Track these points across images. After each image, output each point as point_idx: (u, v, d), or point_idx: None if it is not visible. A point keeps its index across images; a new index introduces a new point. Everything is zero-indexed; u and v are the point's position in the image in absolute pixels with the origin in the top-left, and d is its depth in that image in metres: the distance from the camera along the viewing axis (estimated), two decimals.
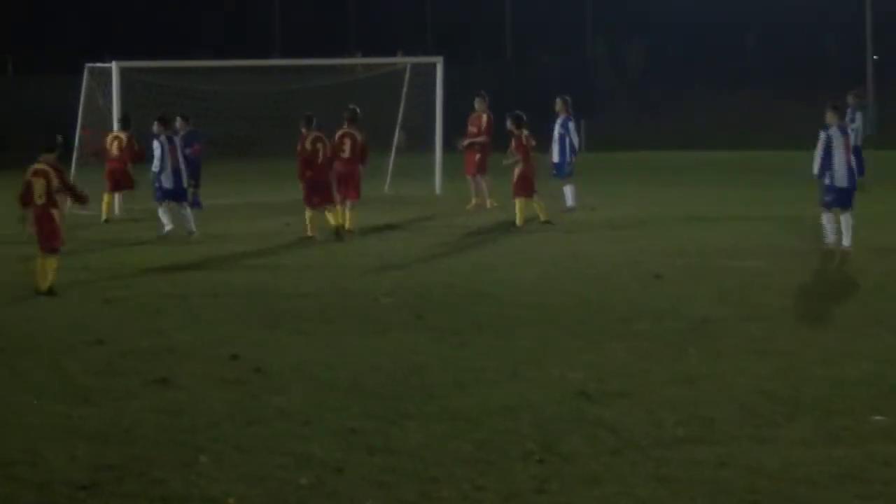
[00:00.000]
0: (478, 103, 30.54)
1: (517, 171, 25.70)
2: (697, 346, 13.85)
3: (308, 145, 24.39)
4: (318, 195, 24.40)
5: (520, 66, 69.76)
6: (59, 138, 19.41)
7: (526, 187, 25.67)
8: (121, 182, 29.34)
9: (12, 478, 9.56)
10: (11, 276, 20.19)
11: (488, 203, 29.34)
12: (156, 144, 25.72)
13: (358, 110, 25.56)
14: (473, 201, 29.86)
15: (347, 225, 24.90)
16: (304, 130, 24.61)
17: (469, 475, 9.37)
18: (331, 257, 22.02)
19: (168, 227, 25.06)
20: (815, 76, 65.34)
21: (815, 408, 11.10)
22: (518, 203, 25.66)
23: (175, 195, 25.58)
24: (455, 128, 32.44)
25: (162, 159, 25.36)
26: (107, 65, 31.31)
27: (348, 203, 25.10)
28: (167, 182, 25.35)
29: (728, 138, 54.04)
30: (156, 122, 26.43)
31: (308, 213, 24.40)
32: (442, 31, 72.01)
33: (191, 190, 27.80)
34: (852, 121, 34.82)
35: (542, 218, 25.71)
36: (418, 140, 35.11)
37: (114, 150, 29.36)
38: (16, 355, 14.09)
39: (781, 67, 68.33)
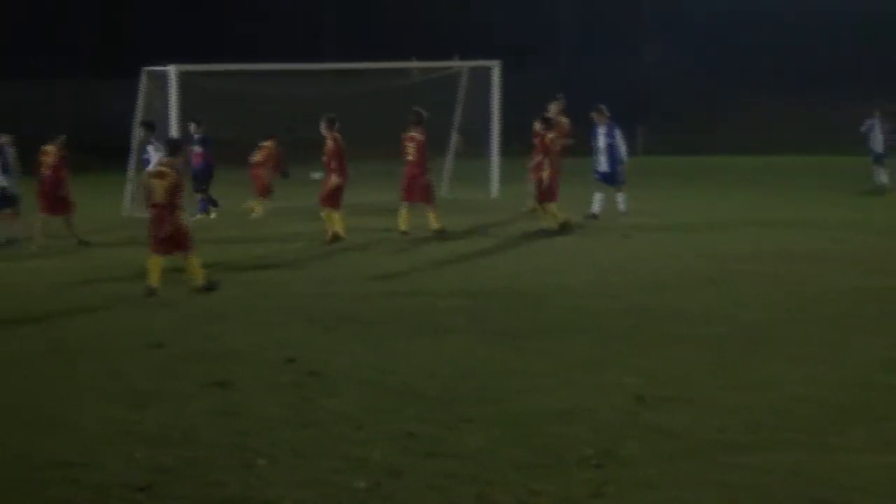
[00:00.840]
0: (554, 107, 29.91)
1: (545, 175, 25.63)
2: (754, 351, 13.78)
3: (330, 144, 24.47)
4: (339, 197, 24.46)
5: (575, 70, 69.57)
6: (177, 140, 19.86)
7: (554, 191, 25.69)
8: (268, 188, 30.42)
9: (70, 479, 9.64)
10: (67, 278, 20.38)
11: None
12: (150, 150, 25.86)
13: (424, 113, 25.54)
14: (529, 204, 29.73)
15: (403, 227, 24.99)
16: (326, 132, 24.46)
17: (525, 480, 9.37)
18: (387, 260, 22.05)
19: None
20: (877, 80, 64.74)
21: (867, 414, 11.03)
22: (549, 207, 25.65)
23: None
24: (511, 132, 32.33)
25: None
26: (164, 68, 31.38)
27: (405, 204, 25.21)
28: None
29: (788, 142, 53.64)
30: (142, 127, 26.78)
31: (337, 215, 24.40)
32: (497, 35, 71.98)
33: (199, 195, 28.31)
34: (870, 129, 34.73)
35: (546, 222, 25.47)
36: (475, 144, 35.03)
37: (259, 157, 30.39)
38: (74, 358, 14.20)
39: (841, 71, 67.76)
